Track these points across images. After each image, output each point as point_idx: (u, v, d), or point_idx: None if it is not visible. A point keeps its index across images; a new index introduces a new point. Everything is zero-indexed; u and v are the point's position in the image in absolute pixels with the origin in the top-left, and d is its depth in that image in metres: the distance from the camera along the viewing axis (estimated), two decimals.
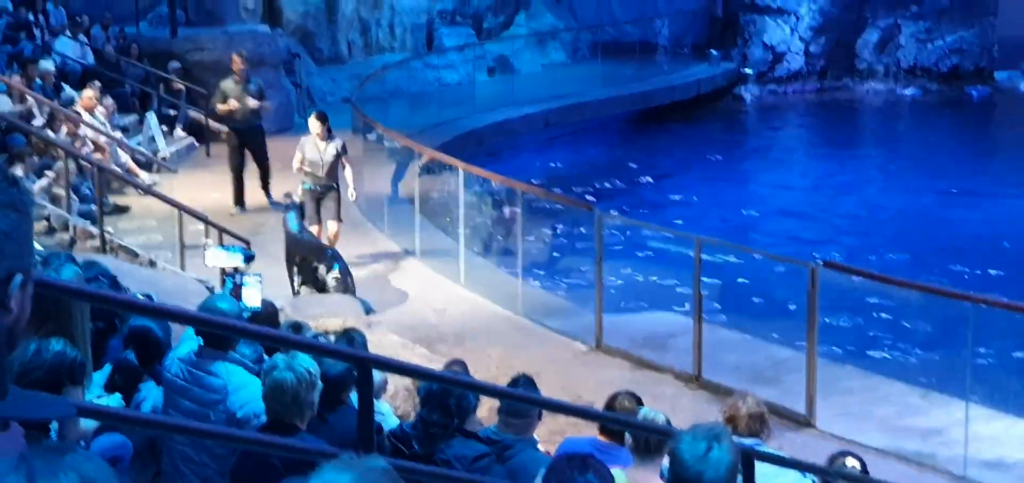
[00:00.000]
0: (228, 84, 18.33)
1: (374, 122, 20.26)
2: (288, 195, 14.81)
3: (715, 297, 15.31)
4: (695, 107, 33.47)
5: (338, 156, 15.44)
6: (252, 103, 18.18)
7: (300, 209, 14.72)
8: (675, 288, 15.95)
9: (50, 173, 15.48)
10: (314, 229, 15.12)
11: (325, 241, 15.08)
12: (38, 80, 18.89)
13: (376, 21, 32.05)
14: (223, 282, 13.10)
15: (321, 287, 14.20)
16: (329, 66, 30.01)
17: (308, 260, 14.32)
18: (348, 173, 15.69)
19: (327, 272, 14.20)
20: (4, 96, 17.59)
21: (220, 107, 18.39)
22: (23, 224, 2.35)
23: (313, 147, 15.41)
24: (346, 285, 14.19)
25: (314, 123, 15.61)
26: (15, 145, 15.95)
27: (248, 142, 18.44)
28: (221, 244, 13.39)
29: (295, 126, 24.33)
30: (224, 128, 19.78)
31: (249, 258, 12.35)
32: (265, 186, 18.60)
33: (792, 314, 13.91)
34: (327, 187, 15.43)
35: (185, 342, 6.76)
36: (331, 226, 15.40)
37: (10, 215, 2.31)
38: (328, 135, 15.48)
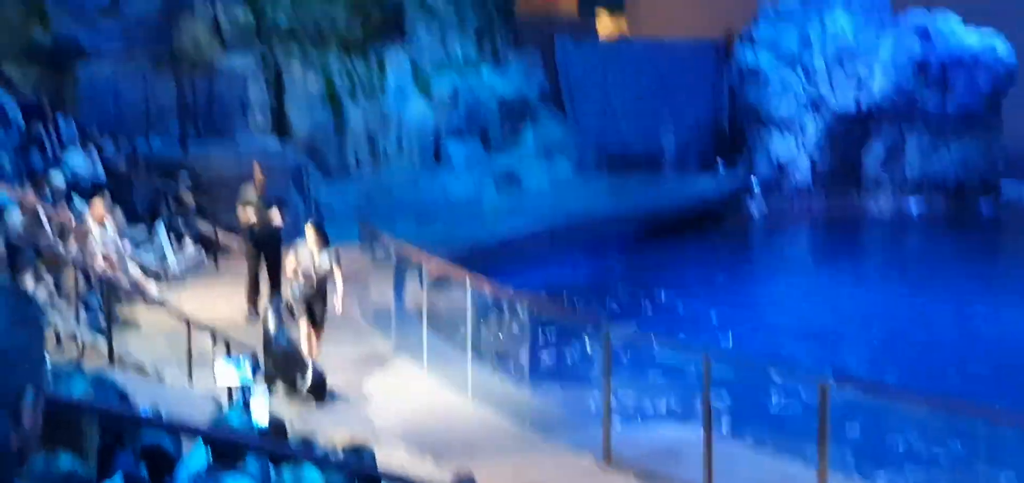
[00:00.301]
0: (249, 194, 18.73)
1: (382, 234, 20.30)
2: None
3: (725, 411, 15.23)
4: (702, 220, 33.53)
5: (331, 267, 15.63)
6: (276, 218, 18.62)
7: (284, 311, 14.93)
8: (684, 402, 15.88)
9: (49, 283, 15.51)
10: (303, 329, 15.39)
11: (308, 346, 15.26)
12: (48, 193, 18.99)
13: (384, 134, 32.24)
14: (230, 396, 13.12)
15: (294, 389, 14.42)
16: (337, 179, 30.15)
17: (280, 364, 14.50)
18: (338, 283, 15.72)
19: (301, 380, 14.34)
20: (16, 209, 17.67)
21: (242, 217, 18.75)
22: (35, 340, 2.36)
23: (308, 255, 15.63)
24: (319, 394, 14.40)
25: (310, 232, 15.83)
26: (24, 258, 15.99)
27: (265, 249, 18.79)
28: (227, 355, 13.40)
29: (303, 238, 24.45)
30: (236, 239, 20.77)
31: (256, 368, 12.44)
32: (274, 293, 18.56)
33: (803, 428, 13.82)
34: (318, 294, 15.63)
35: (194, 456, 6.73)
36: (313, 333, 15.54)
37: (23, 332, 2.31)
38: (324, 244, 15.67)
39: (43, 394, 2.39)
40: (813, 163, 36.56)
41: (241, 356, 12.55)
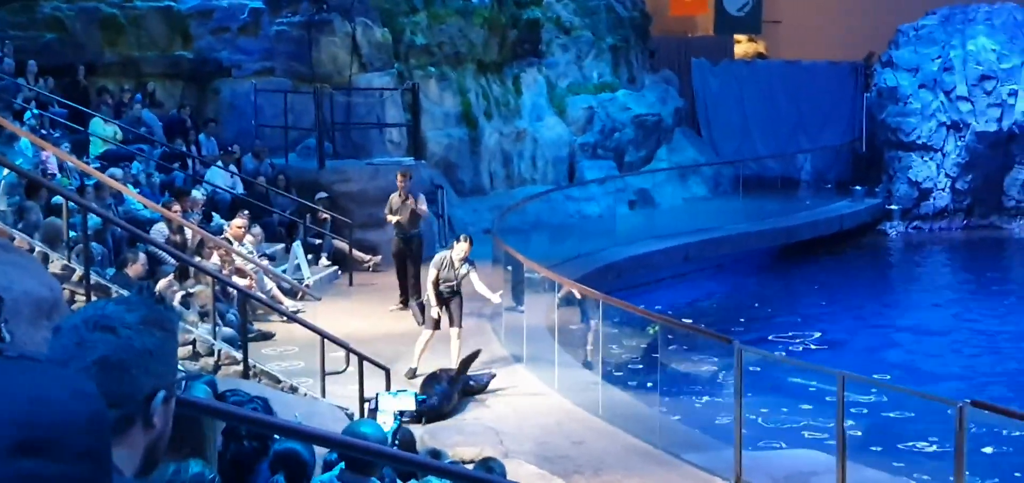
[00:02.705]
0: (393, 198, 20.28)
1: (515, 252, 20.36)
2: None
3: (860, 435, 15.00)
4: (838, 243, 33.09)
5: (468, 273, 16.66)
6: (421, 206, 20.30)
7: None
8: (817, 425, 15.67)
9: (188, 296, 15.87)
10: (425, 336, 16.67)
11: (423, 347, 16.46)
12: (190, 209, 19.44)
13: (518, 153, 32.36)
14: (361, 409, 13.32)
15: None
16: (471, 197, 30.31)
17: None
18: (478, 282, 16.75)
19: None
20: (159, 223, 18.12)
21: (388, 217, 20.35)
22: (168, 342, 2.41)
23: (449, 267, 16.56)
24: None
25: (464, 243, 16.83)
26: (165, 272, 16.39)
27: (407, 246, 20.16)
28: (388, 389, 13.94)
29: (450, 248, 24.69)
30: (368, 256, 22.84)
31: (421, 401, 13.06)
32: (416, 293, 19.84)
33: (939, 455, 13.57)
34: (456, 295, 16.68)
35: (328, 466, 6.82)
36: (454, 332, 16.52)
37: (156, 334, 2.37)
38: (467, 261, 16.62)
39: (174, 395, 2.44)
40: (953, 186, 35.84)
41: (403, 390, 13.09)
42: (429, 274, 16.76)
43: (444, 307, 16.53)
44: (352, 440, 6.16)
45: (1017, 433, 14.95)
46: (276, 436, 7.37)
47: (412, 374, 15.86)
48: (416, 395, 13.01)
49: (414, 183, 21.03)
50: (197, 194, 20.77)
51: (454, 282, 16.51)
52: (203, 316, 15.50)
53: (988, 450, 14.87)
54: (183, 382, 6.88)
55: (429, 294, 16.69)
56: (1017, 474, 15.14)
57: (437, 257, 16.93)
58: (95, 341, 2.30)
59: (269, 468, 7.32)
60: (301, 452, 7.16)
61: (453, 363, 15.72)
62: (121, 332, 2.31)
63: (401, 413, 12.55)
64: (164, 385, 2.37)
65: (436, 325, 16.52)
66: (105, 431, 2.07)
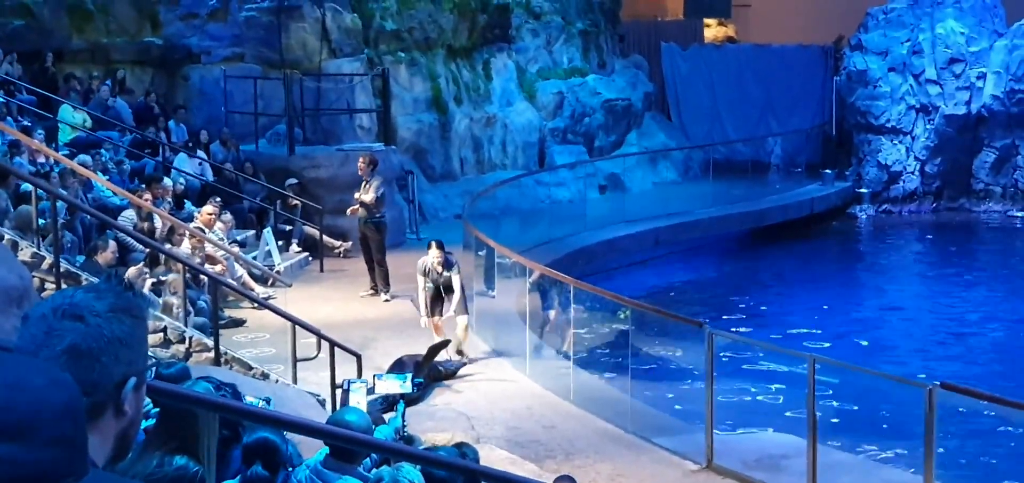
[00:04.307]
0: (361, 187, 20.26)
1: (486, 238, 20.37)
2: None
3: (829, 417, 15.08)
4: (808, 226, 33.21)
5: (451, 281, 16.64)
6: (366, 196, 20.05)
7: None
8: (787, 408, 15.75)
9: (159, 282, 15.84)
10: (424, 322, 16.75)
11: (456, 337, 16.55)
12: (161, 197, 19.36)
13: (488, 139, 32.34)
14: (334, 395, 13.31)
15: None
16: (441, 183, 30.30)
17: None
18: (456, 292, 16.57)
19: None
20: (128, 211, 18.03)
21: (349, 212, 20.51)
22: (138, 329, 2.41)
23: (433, 272, 16.65)
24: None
25: (434, 249, 16.77)
26: (135, 259, 16.32)
27: (368, 233, 20.19)
28: (395, 369, 14.16)
29: (407, 242, 24.65)
30: (339, 242, 23.18)
31: (418, 384, 13.13)
32: (385, 282, 20.13)
33: (909, 437, 13.65)
34: (439, 296, 16.74)
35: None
36: (461, 321, 16.59)
37: (125, 321, 2.37)
38: (446, 264, 16.66)
39: (144, 382, 2.44)
40: (922, 169, 36.01)
41: (401, 373, 13.07)
42: (418, 280, 16.92)
43: (438, 310, 16.70)
44: (334, 429, 6.17)
45: (991, 414, 15.07)
46: (247, 423, 7.36)
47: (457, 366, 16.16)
48: (412, 378, 13.00)
49: (380, 168, 20.98)
50: (168, 181, 20.68)
51: (441, 282, 16.66)
52: (174, 304, 15.45)
53: (959, 430, 14.97)
54: (153, 369, 6.87)
55: (419, 299, 16.93)
56: (988, 458, 15.24)
57: (420, 262, 16.95)
58: (64, 329, 2.30)
59: (243, 459, 7.31)
60: (274, 439, 7.15)
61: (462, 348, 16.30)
62: (90, 320, 2.31)
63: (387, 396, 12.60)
64: (134, 372, 2.37)
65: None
66: (81, 418, 2.08)
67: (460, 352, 16.36)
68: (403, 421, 10.49)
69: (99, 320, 2.32)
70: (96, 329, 2.31)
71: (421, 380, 14.39)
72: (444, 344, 15.86)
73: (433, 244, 17.02)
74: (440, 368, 15.59)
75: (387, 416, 11.72)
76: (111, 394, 2.32)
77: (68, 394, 2.06)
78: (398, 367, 14.75)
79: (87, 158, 19.59)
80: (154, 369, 7.85)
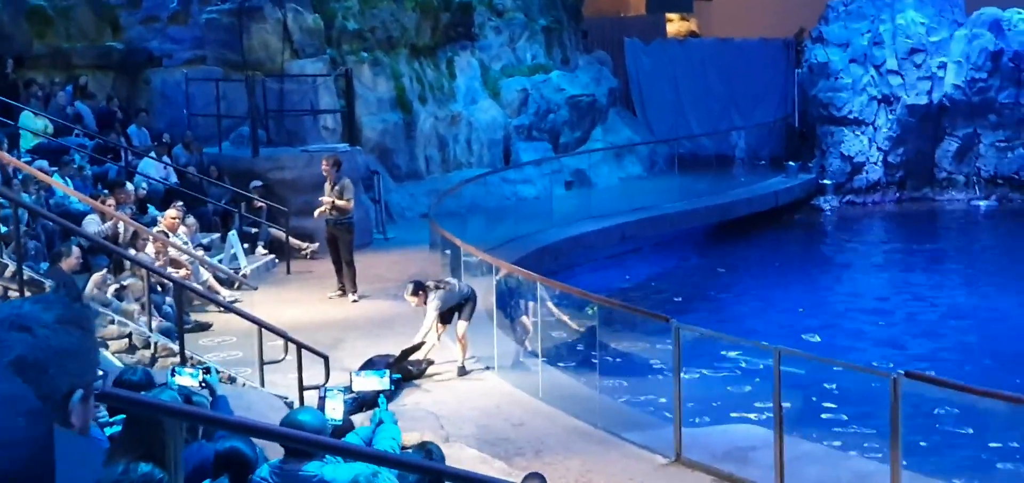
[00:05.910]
0: (325, 188, 20.31)
1: (452, 236, 20.33)
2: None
3: (796, 409, 15.11)
4: (773, 219, 33.33)
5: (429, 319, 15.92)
6: (342, 200, 20.03)
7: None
8: (754, 400, 15.79)
9: (122, 288, 15.74)
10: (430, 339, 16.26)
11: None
12: (124, 202, 19.24)
13: (453, 137, 32.29)
14: (301, 398, 13.27)
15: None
16: (407, 182, 30.23)
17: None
18: (424, 328, 15.92)
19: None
20: (92, 216, 17.92)
21: (317, 213, 20.54)
22: (86, 341, 2.39)
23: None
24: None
25: (410, 300, 16.23)
26: (99, 265, 16.23)
27: (335, 235, 20.19)
28: (367, 368, 14.15)
29: (374, 242, 24.60)
30: (306, 244, 23.21)
31: (396, 381, 13.08)
32: (353, 283, 20.05)
33: (875, 426, 13.70)
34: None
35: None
36: (461, 326, 16.21)
37: (73, 333, 2.34)
38: (423, 302, 16.00)
39: (93, 393, 2.41)
40: (885, 159, 36.15)
41: (379, 370, 13.06)
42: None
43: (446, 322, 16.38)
44: (289, 431, 6.13)
45: (951, 405, 15.13)
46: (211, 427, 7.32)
47: (462, 371, 15.98)
48: (390, 374, 13.02)
49: (345, 170, 20.91)
50: (130, 187, 20.55)
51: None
52: (138, 309, 15.37)
53: (925, 420, 15.03)
54: (102, 380, 6.81)
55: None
56: (953, 445, 15.31)
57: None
58: (12, 341, 2.26)
59: (213, 468, 7.27)
60: (242, 448, 7.11)
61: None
62: (38, 331, 2.28)
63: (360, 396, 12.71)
64: (82, 384, 2.34)
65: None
66: (44, 428, 2.06)
67: (430, 361, 16.10)
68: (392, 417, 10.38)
69: (47, 332, 2.29)
70: (44, 341, 2.28)
71: (400, 376, 14.41)
72: (417, 347, 15.77)
73: (408, 285, 16.44)
74: (409, 367, 15.54)
75: (356, 418, 11.68)
76: (58, 406, 2.29)
77: (27, 407, 2.03)
78: (369, 368, 14.72)
79: (44, 163, 19.48)
80: (116, 376, 7.81)
